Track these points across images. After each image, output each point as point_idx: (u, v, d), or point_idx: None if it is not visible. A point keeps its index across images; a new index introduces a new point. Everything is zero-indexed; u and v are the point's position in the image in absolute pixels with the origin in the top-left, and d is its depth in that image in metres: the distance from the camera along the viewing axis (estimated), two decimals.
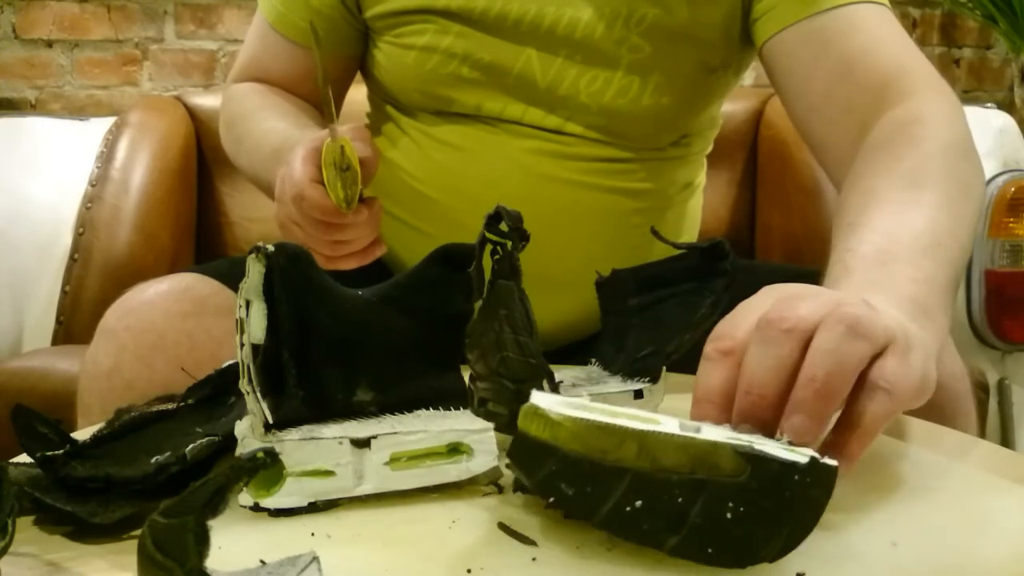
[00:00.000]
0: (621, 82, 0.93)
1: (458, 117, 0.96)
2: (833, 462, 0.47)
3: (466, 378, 0.65)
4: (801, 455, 0.47)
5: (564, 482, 0.48)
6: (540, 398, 0.51)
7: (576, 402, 0.52)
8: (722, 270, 0.70)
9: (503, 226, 0.64)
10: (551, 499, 0.49)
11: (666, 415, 0.52)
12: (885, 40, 0.87)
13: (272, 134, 0.96)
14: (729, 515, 0.46)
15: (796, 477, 0.46)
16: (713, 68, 0.96)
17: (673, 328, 0.70)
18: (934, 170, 0.75)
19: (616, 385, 0.69)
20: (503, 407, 0.63)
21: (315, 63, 0.81)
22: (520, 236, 0.63)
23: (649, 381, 0.69)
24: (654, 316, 0.73)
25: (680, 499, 0.46)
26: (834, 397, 0.53)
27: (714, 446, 0.46)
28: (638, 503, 0.46)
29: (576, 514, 0.49)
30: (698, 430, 0.49)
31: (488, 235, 0.63)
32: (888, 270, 0.65)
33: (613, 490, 0.47)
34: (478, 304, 0.64)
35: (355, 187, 0.80)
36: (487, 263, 0.63)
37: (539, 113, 0.94)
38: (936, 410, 0.78)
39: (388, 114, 1.03)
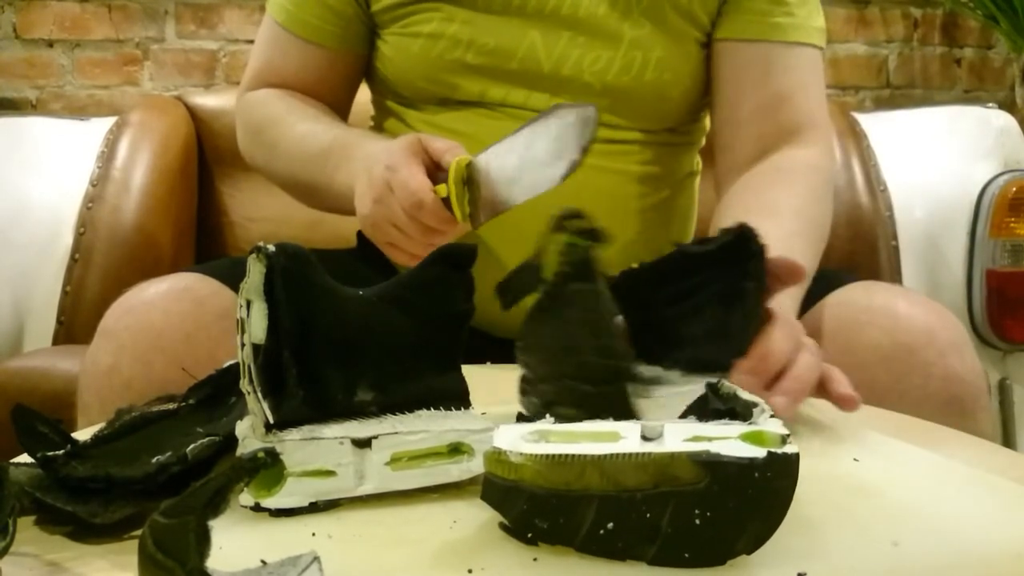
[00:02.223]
0: (624, 59, 0.96)
1: (461, 105, 0.98)
2: (793, 450, 0.48)
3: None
4: (758, 450, 0.47)
5: (537, 518, 0.49)
6: (502, 438, 0.52)
7: (539, 428, 0.53)
8: (753, 251, 0.70)
9: (570, 225, 0.62)
10: (529, 535, 0.50)
11: (630, 422, 0.53)
12: (809, 89, 1.00)
13: (315, 136, 0.98)
14: (698, 520, 0.47)
15: (756, 474, 0.47)
16: (708, 45, 1.00)
17: (720, 316, 0.70)
18: (818, 219, 0.93)
19: (690, 383, 0.68)
20: (572, 408, 0.61)
21: None
22: (598, 236, 0.62)
23: (721, 374, 0.68)
24: (693, 306, 0.72)
25: (648, 514, 0.48)
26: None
27: (671, 458, 0.47)
28: (610, 525, 0.48)
29: (556, 543, 0.50)
30: (661, 433, 0.51)
31: (565, 234, 0.62)
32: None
33: (584, 517, 0.48)
34: (523, 302, 0.64)
35: (474, 204, 0.83)
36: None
37: (543, 97, 0.96)
38: (958, 406, 0.80)
39: (391, 109, 1.04)
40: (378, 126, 1.08)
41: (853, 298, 0.85)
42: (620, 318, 0.64)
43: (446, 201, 0.83)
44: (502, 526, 0.52)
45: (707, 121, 1.09)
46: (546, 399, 0.64)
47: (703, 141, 1.10)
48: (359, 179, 0.88)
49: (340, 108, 1.08)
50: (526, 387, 0.66)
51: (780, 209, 0.91)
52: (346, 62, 1.05)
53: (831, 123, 1.03)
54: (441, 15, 0.96)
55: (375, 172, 0.86)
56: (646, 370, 0.73)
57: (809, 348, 0.72)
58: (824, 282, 0.89)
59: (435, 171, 0.85)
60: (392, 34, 0.99)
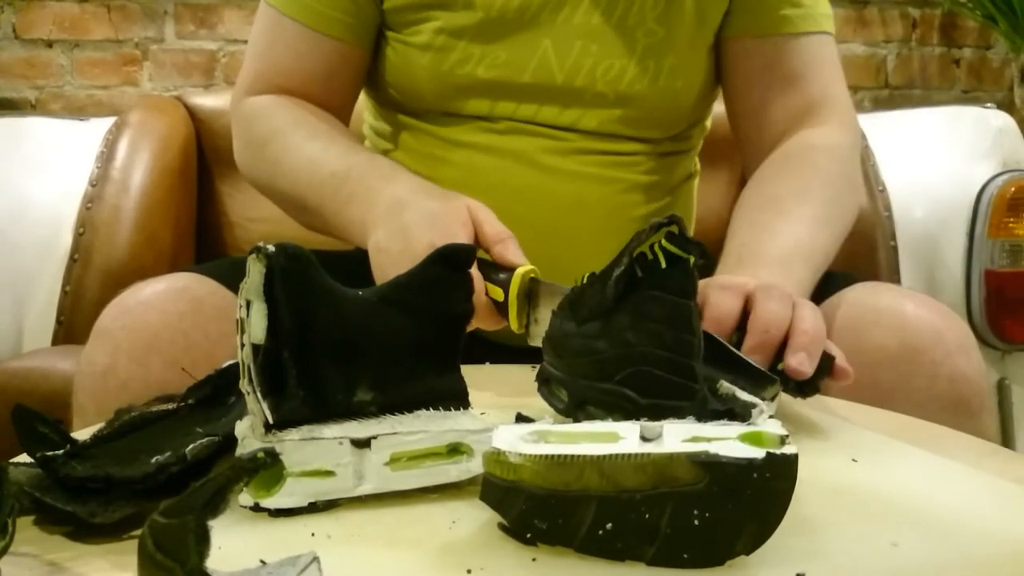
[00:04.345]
0: (637, 67, 0.95)
1: (468, 119, 0.97)
2: (792, 450, 0.48)
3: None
4: (757, 451, 0.47)
5: (536, 518, 0.49)
6: (501, 438, 0.52)
7: (538, 429, 0.53)
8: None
9: (658, 237, 0.59)
10: (528, 535, 0.50)
11: (628, 422, 0.53)
12: (819, 69, 1.00)
13: (329, 157, 0.93)
14: (697, 521, 0.47)
15: (755, 475, 0.47)
16: (716, 46, 1.00)
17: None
18: (826, 196, 0.92)
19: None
20: (610, 414, 0.60)
21: None
22: (705, 254, 0.60)
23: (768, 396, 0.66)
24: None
25: (647, 515, 0.48)
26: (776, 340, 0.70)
27: (670, 458, 0.47)
28: (608, 525, 0.48)
29: (555, 543, 0.50)
30: (660, 434, 0.51)
31: (666, 244, 0.59)
32: (769, 272, 0.80)
33: (583, 518, 0.48)
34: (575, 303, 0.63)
35: (531, 320, 0.80)
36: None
37: (553, 110, 0.96)
38: (964, 407, 0.80)
39: (392, 116, 1.03)
40: (377, 130, 1.07)
41: (860, 298, 0.85)
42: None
43: (496, 303, 0.79)
44: (501, 526, 0.52)
45: (707, 123, 1.09)
46: (580, 397, 0.62)
47: (701, 144, 1.10)
48: (384, 232, 0.83)
49: (346, 111, 1.05)
50: (551, 379, 0.64)
51: (784, 201, 0.91)
52: (358, 58, 1.01)
53: (849, 100, 1.03)
54: (452, 25, 0.94)
55: (417, 244, 0.78)
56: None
57: (805, 304, 0.73)
58: (829, 282, 0.89)
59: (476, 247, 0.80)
60: (400, 41, 0.98)
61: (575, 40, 0.94)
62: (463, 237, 0.79)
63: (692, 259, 0.59)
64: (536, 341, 0.77)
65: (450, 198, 0.83)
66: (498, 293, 0.79)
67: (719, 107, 1.10)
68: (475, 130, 0.97)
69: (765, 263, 0.82)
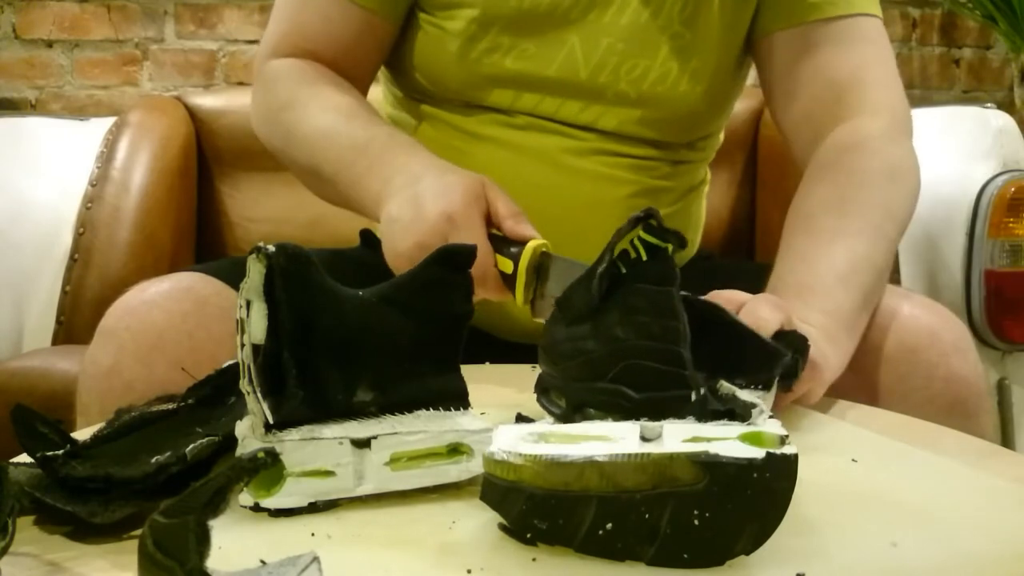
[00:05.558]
0: (661, 69, 0.95)
1: (489, 110, 0.97)
2: (792, 450, 0.48)
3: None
4: (757, 451, 0.47)
5: (536, 518, 0.49)
6: (501, 438, 0.52)
7: (539, 429, 0.53)
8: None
9: (636, 232, 0.60)
10: (528, 535, 0.50)
11: (628, 422, 0.54)
12: (850, 51, 0.95)
13: (347, 128, 0.92)
14: (697, 521, 0.47)
15: (755, 475, 0.47)
16: (739, 53, 1.00)
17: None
18: (863, 199, 0.87)
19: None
20: (609, 413, 0.60)
21: None
22: (682, 241, 0.60)
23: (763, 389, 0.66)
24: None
25: (647, 515, 0.48)
26: None
27: (670, 459, 0.47)
28: (608, 525, 0.48)
29: (554, 544, 0.50)
30: (660, 434, 0.51)
31: (644, 236, 0.60)
32: (804, 302, 0.77)
33: (583, 518, 0.48)
34: (564, 304, 0.62)
35: (538, 295, 0.79)
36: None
37: (575, 106, 0.96)
38: (961, 407, 0.80)
39: (414, 106, 1.03)
40: (392, 116, 1.06)
41: None
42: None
43: (504, 276, 0.79)
44: (501, 527, 0.52)
45: (720, 136, 1.09)
46: (577, 400, 0.62)
47: (713, 156, 1.09)
48: (397, 202, 0.82)
49: (366, 82, 1.04)
50: (549, 387, 0.65)
51: (818, 219, 0.86)
52: (384, 29, 1.00)
53: (888, 78, 0.96)
54: (487, 14, 0.93)
55: (429, 213, 0.79)
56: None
57: (764, 307, 0.71)
58: None
59: (488, 226, 0.80)
60: (433, 25, 0.97)
61: (602, 38, 0.94)
62: (475, 209, 0.79)
63: (670, 247, 0.60)
64: (540, 316, 0.76)
65: (465, 173, 0.83)
66: (507, 265, 0.79)
67: None
68: (495, 124, 0.97)
69: (799, 295, 0.79)
